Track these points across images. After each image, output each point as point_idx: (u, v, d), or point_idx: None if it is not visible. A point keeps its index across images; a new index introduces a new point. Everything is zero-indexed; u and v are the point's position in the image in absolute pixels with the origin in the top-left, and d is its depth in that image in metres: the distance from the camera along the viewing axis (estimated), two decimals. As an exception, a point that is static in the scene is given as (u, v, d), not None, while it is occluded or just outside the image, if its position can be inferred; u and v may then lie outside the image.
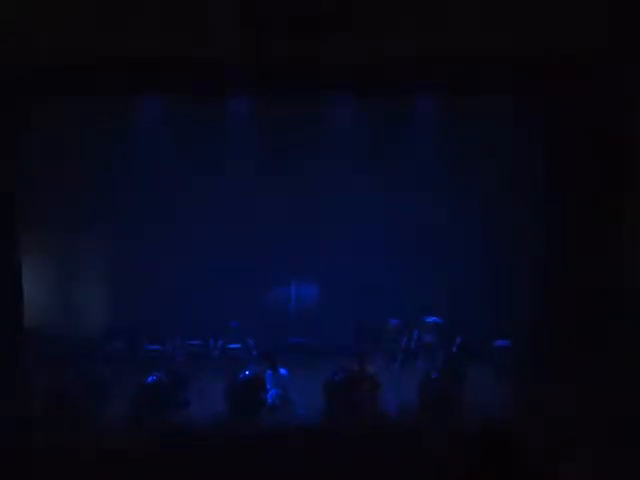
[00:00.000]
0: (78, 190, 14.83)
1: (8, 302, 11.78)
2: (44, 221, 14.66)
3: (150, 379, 12.23)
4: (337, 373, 12.21)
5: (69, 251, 15.42)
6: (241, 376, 12.29)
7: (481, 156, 15.04)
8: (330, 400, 12.14)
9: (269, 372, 12.55)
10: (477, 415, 11.79)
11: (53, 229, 14.97)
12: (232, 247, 15.60)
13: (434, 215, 15.44)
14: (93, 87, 11.78)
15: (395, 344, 14.67)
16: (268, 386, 12.43)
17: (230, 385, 12.27)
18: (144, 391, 12.15)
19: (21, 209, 12.14)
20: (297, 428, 11.67)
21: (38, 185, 14.11)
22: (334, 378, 12.18)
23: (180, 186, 15.29)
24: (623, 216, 11.39)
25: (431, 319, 14.76)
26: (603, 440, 9.58)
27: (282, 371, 12.62)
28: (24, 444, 10.20)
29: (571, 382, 11.29)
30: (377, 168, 15.44)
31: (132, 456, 9.46)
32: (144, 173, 15.11)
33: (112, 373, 13.49)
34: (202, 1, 10.71)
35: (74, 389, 12.23)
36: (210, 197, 15.45)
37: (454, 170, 15.29)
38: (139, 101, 15.05)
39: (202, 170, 15.39)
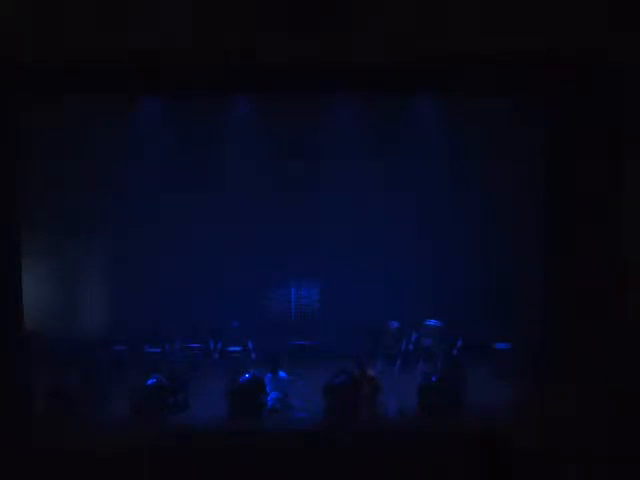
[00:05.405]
0: (78, 190, 14.85)
1: (8, 303, 11.76)
2: (44, 222, 14.69)
3: (150, 381, 12.22)
4: (337, 376, 12.19)
5: (69, 253, 15.42)
6: (241, 379, 12.28)
7: (481, 156, 15.07)
8: (330, 403, 12.11)
9: (269, 375, 12.55)
10: (478, 417, 11.78)
11: (53, 230, 15.00)
12: (233, 249, 15.61)
13: (434, 217, 15.45)
14: (93, 87, 11.81)
15: (395, 347, 14.65)
16: (268, 389, 12.42)
17: (230, 388, 12.26)
18: (144, 393, 12.14)
19: (21, 209, 12.12)
20: (297, 431, 11.66)
21: (38, 185, 14.14)
22: (334, 381, 12.16)
23: (181, 187, 15.30)
24: (623, 216, 11.37)
25: (431, 322, 14.76)
26: (603, 440, 9.56)
27: (282, 374, 12.62)
28: (24, 444, 10.18)
29: (571, 382, 11.27)
30: (377, 169, 15.47)
31: (132, 457, 9.43)
32: (144, 174, 15.14)
33: (112, 375, 13.52)
34: (202, 1, 10.70)
35: (74, 391, 12.24)
36: (211, 198, 15.46)
37: (454, 171, 15.31)
38: (139, 101, 15.10)
39: (202, 171, 15.42)
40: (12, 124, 11.98)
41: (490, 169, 15.07)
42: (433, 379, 12.40)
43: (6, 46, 10.60)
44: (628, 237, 11.37)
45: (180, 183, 15.27)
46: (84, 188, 14.92)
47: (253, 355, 14.56)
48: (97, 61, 10.82)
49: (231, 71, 11.47)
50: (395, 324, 14.83)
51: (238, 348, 14.76)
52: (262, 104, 15.26)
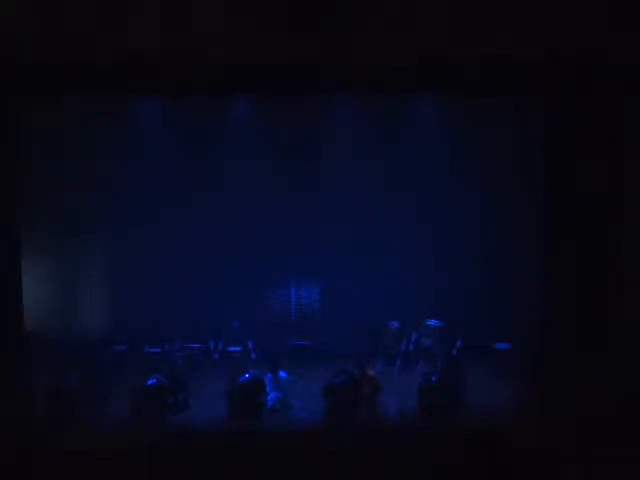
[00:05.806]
0: (78, 190, 14.84)
1: (8, 303, 11.77)
2: (44, 222, 14.69)
3: (150, 381, 12.22)
4: (337, 376, 12.18)
5: (69, 253, 15.40)
6: (241, 379, 12.27)
7: (481, 156, 15.06)
8: (330, 403, 12.11)
9: (269, 375, 12.54)
10: (478, 417, 11.78)
11: (53, 230, 14.98)
12: (233, 249, 15.60)
13: (434, 217, 15.44)
14: (93, 87, 11.82)
15: (395, 347, 14.63)
16: (268, 389, 12.41)
17: (230, 388, 12.25)
18: (144, 393, 12.14)
19: (21, 209, 12.14)
20: (297, 431, 11.64)
21: (38, 185, 14.14)
22: (334, 381, 12.15)
23: (181, 187, 15.29)
24: (623, 216, 11.38)
25: (431, 322, 14.74)
26: (603, 440, 9.55)
27: (282, 374, 12.62)
28: (24, 444, 10.17)
29: (571, 382, 11.27)
30: (377, 169, 15.45)
31: (132, 457, 9.41)
32: (144, 174, 15.13)
33: (112, 375, 13.51)
34: (202, 1, 10.70)
35: (74, 391, 12.23)
36: (211, 198, 15.44)
37: (454, 171, 15.30)
38: (139, 101, 15.08)
39: (202, 171, 15.40)
40: (12, 124, 11.99)
41: (490, 169, 15.05)
42: (433, 379, 12.39)
43: (6, 46, 10.61)
44: (628, 237, 11.38)
45: (180, 183, 15.25)
46: (84, 188, 14.88)
47: (253, 355, 14.54)
48: (97, 61, 10.82)
49: (231, 71, 11.47)
50: (395, 324, 14.81)
51: (238, 348, 14.73)
52: (262, 104, 15.25)
